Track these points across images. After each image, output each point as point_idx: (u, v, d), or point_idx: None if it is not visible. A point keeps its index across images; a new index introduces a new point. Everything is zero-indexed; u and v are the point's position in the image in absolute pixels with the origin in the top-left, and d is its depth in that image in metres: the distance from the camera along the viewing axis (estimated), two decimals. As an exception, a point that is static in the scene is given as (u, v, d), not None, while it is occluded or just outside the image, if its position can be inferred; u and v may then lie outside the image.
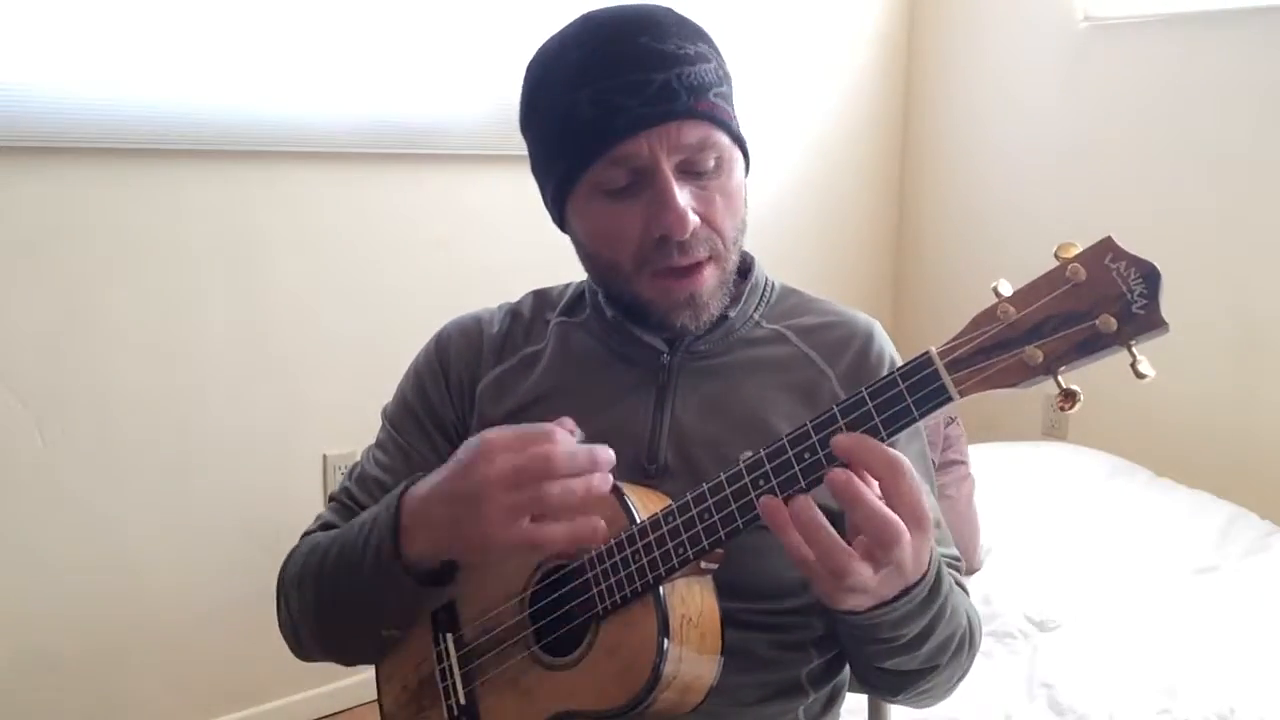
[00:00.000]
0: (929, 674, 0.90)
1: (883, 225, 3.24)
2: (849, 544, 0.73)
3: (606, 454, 0.78)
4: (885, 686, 0.95)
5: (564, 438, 0.78)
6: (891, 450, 0.73)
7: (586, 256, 0.97)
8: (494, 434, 0.79)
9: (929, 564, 0.79)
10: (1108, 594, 1.91)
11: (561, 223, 0.99)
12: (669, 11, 0.92)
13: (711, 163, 0.90)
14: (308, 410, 2.27)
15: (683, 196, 0.88)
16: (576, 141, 0.89)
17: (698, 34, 0.92)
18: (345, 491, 1.04)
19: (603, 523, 0.78)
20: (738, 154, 0.93)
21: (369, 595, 0.89)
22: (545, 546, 0.78)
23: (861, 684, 1.01)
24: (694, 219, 0.88)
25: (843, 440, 0.73)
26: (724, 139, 0.91)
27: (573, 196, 0.93)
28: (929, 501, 0.83)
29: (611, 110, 0.86)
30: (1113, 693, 1.60)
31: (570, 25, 0.92)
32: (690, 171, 0.90)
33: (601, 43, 0.89)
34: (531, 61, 0.95)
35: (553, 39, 0.93)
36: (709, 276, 0.92)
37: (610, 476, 0.79)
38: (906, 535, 0.72)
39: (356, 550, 0.88)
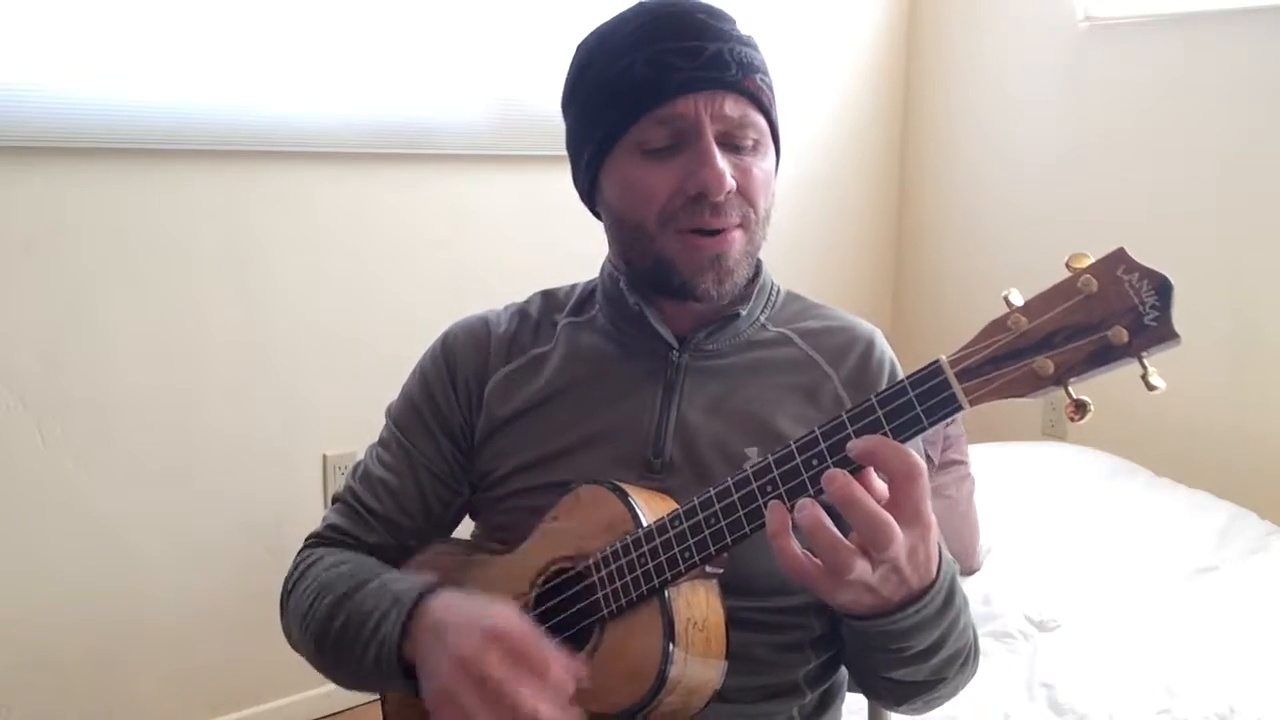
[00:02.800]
0: (936, 685, 0.90)
1: (883, 225, 3.24)
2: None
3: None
4: (890, 696, 0.95)
5: (556, 667, 0.77)
6: (914, 455, 0.73)
7: (614, 223, 0.99)
8: (504, 626, 0.78)
9: (939, 573, 0.79)
10: (1108, 594, 1.91)
11: (592, 195, 1.00)
12: (718, 7, 0.97)
13: (750, 142, 0.93)
14: (308, 410, 2.27)
15: (722, 162, 0.90)
16: (625, 99, 0.92)
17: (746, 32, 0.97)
18: (350, 491, 1.05)
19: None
20: (771, 145, 0.96)
21: (368, 682, 0.92)
22: None
23: (864, 692, 1.01)
24: (731, 182, 0.90)
25: (864, 441, 0.73)
26: (762, 122, 0.94)
27: (610, 158, 0.95)
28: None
29: (665, 69, 0.90)
30: (1113, 693, 1.60)
31: (625, 11, 0.96)
32: (729, 145, 0.92)
33: (659, 16, 0.93)
34: (582, 43, 0.99)
35: (605, 23, 0.97)
36: (737, 241, 0.93)
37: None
38: (900, 536, 0.72)
39: (360, 642, 0.89)
